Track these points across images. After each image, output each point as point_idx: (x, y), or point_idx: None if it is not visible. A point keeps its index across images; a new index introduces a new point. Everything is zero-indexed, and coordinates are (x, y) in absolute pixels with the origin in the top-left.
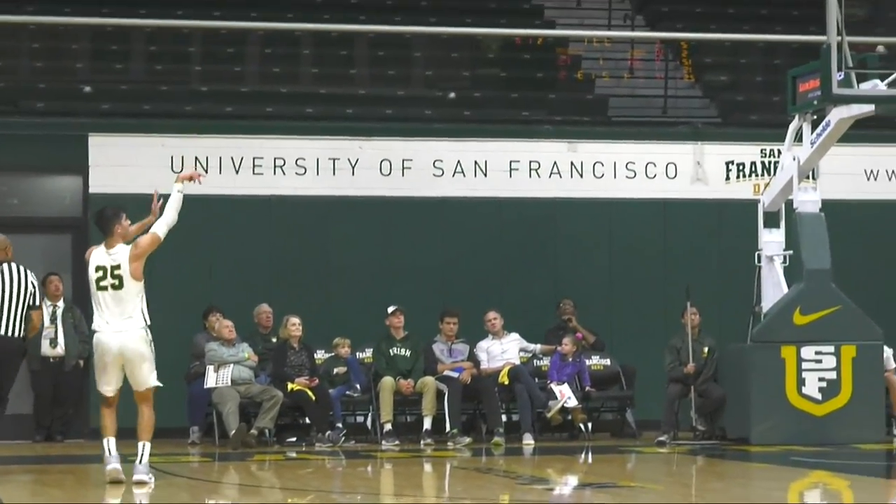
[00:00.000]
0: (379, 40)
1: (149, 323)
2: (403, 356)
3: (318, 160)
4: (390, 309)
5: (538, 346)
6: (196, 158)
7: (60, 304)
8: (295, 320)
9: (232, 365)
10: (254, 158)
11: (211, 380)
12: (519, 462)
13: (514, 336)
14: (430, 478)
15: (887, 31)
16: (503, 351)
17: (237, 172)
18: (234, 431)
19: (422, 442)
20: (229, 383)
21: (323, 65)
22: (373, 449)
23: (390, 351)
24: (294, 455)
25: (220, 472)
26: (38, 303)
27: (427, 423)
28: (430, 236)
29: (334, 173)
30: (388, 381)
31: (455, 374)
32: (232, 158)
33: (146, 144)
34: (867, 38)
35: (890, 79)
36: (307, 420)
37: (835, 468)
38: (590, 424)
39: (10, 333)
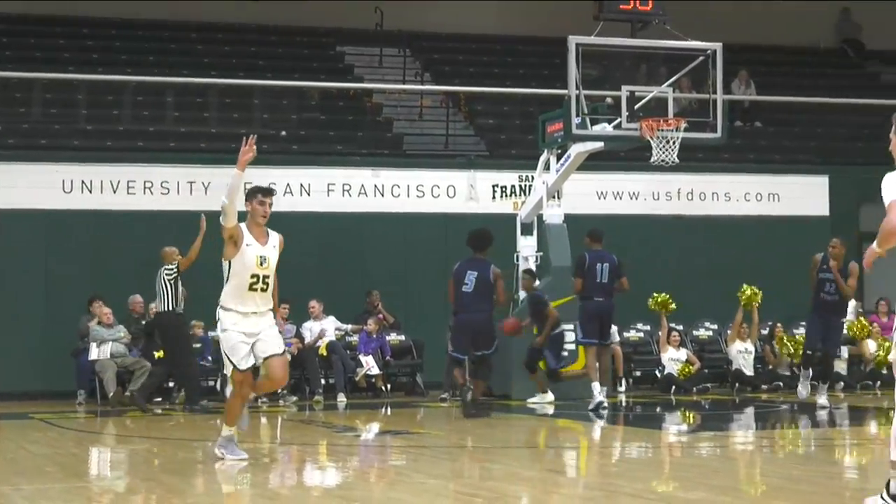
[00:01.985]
0: (227, 91)
1: (222, 304)
2: None
3: (178, 183)
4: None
5: (349, 326)
6: (83, 182)
7: None
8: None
9: (110, 342)
10: (128, 181)
11: (94, 353)
12: (334, 415)
13: (331, 318)
14: (265, 428)
15: (613, 87)
16: (322, 330)
17: (114, 193)
18: (111, 394)
19: (258, 400)
20: (108, 356)
21: (183, 109)
22: (221, 407)
23: None
24: (159, 412)
25: (101, 425)
26: None
27: None
28: None
29: (191, 193)
30: None
31: (286, 347)
32: (111, 182)
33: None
34: (598, 91)
35: (615, 122)
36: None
37: (573, 417)
38: (389, 386)
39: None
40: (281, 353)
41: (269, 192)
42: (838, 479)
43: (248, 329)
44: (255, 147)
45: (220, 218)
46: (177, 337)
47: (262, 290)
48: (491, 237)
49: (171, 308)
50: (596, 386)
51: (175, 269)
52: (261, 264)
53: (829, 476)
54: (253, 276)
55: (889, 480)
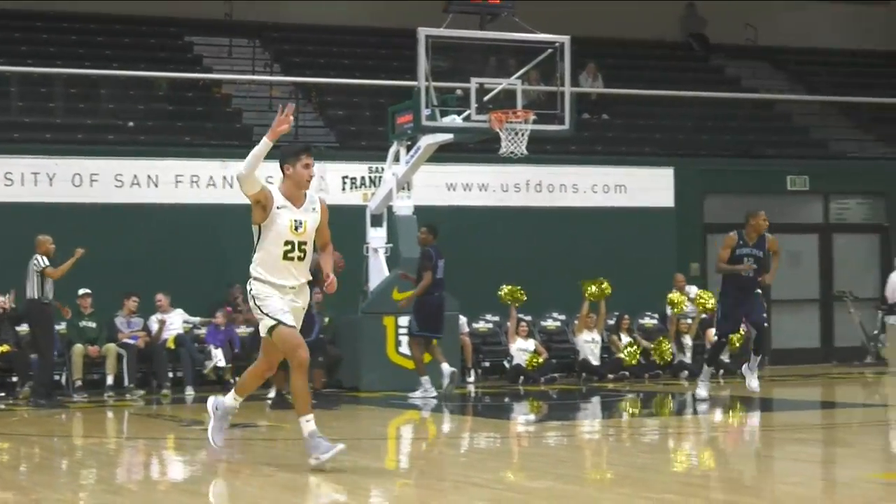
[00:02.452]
0: (73, 81)
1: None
2: (91, 327)
3: (22, 174)
4: (81, 291)
5: (198, 319)
6: None
7: None
8: (2, 298)
9: None
10: None
11: None
12: (182, 409)
13: (179, 311)
14: (112, 422)
15: (462, 79)
16: (170, 323)
17: None
18: None
19: (105, 395)
20: None
21: (27, 99)
22: (67, 401)
23: (80, 324)
24: (2, 406)
25: None
26: None
27: (109, 380)
28: (113, 236)
29: (36, 185)
30: (78, 348)
31: (133, 341)
32: None
33: None
34: (448, 83)
35: (464, 114)
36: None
37: (422, 408)
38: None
39: None
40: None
41: (311, 151)
42: (683, 465)
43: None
44: (291, 118)
45: (241, 187)
46: (41, 326)
47: (299, 258)
48: None
49: (37, 296)
50: (427, 380)
51: (41, 266)
52: (295, 229)
53: (674, 463)
54: (287, 244)
55: None
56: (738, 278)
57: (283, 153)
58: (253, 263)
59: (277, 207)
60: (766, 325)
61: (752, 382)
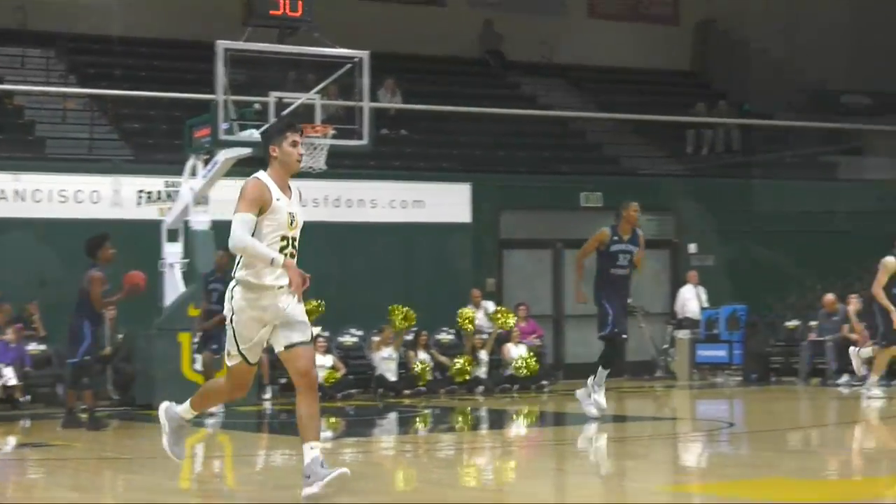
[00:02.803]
0: None
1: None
2: None
3: None
4: None
5: None
6: None
7: None
8: None
9: None
10: None
11: None
12: None
13: None
14: None
15: (261, 93)
16: None
17: None
18: None
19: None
20: None
21: None
22: None
23: None
24: None
25: None
26: None
27: None
28: None
29: None
30: None
31: None
32: None
33: None
34: (246, 98)
35: (262, 129)
36: None
37: (219, 426)
38: (29, 397)
39: None
40: (309, 342)
41: (298, 128)
42: (476, 480)
43: (268, 311)
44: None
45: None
46: None
47: (292, 256)
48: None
49: None
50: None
51: None
52: (290, 224)
53: (467, 478)
54: (283, 239)
55: None
56: (615, 280)
57: (267, 133)
58: (242, 266)
59: (276, 199)
60: (625, 336)
61: (600, 400)
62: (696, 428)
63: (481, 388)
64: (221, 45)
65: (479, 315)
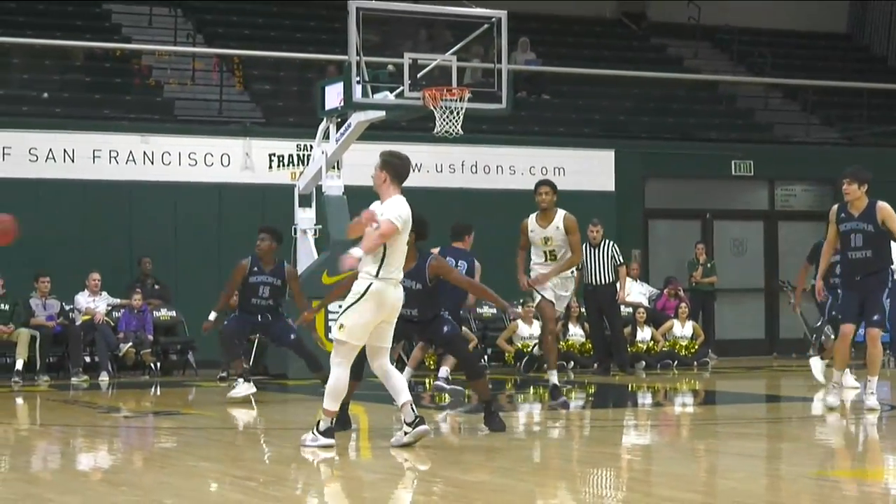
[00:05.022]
0: None
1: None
2: (1, 310)
3: None
4: None
5: (118, 301)
6: None
7: None
8: None
9: None
10: None
11: None
12: (98, 395)
13: (104, 295)
14: (23, 409)
15: (395, 54)
16: (96, 305)
17: None
18: None
19: (12, 380)
20: None
21: None
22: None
23: None
24: None
25: None
26: None
27: (18, 365)
28: (26, 213)
29: None
30: None
31: (50, 321)
32: None
33: None
34: (380, 58)
35: (397, 91)
36: None
37: (354, 397)
38: (158, 364)
39: None
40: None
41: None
42: (627, 461)
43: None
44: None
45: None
46: None
47: None
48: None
49: None
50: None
51: None
52: None
53: (619, 458)
54: None
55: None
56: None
57: None
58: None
59: None
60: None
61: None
62: (854, 410)
63: (642, 363)
64: (354, 4)
65: (638, 288)
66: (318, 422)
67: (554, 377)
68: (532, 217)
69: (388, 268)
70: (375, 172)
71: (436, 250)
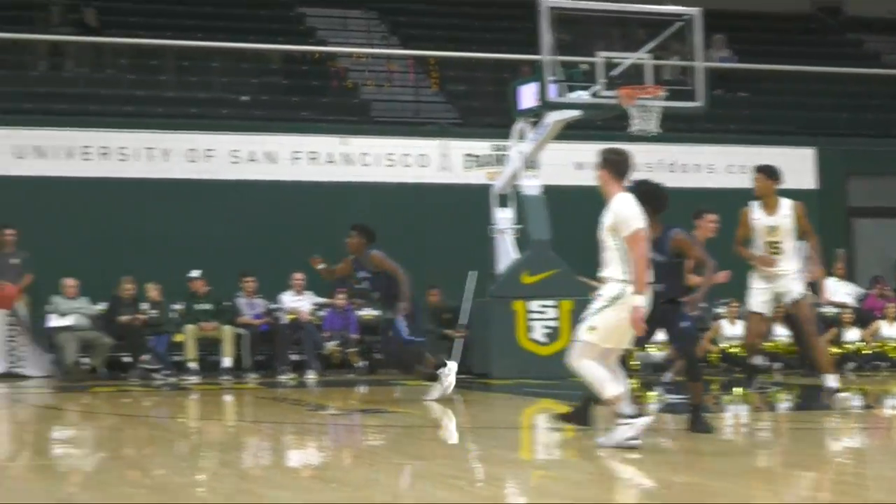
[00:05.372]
0: (184, 53)
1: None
2: (206, 309)
3: (136, 149)
4: (192, 274)
5: (323, 300)
6: (34, 147)
7: None
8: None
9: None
10: (83, 147)
11: (53, 322)
12: (305, 392)
13: (309, 294)
14: (231, 406)
15: (588, 53)
16: (301, 304)
17: (71, 158)
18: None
19: (221, 377)
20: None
21: (139, 72)
22: (181, 382)
23: (194, 306)
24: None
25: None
26: None
27: (226, 362)
28: (230, 213)
29: (150, 160)
30: (191, 328)
31: (256, 319)
32: (66, 148)
33: None
34: (573, 57)
35: (592, 90)
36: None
37: (557, 397)
38: (366, 362)
39: None
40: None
41: None
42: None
43: None
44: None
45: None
46: None
47: None
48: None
49: None
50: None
51: None
52: None
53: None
54: None
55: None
56: None
57: None
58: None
59: None
60: None
61: None
62: None
63: (851, 364)
64: (546, 2)
65: (844, 289)
66: (618, 414)
67: (830, 381)
68: (754, 205)
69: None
70: (597, 172)
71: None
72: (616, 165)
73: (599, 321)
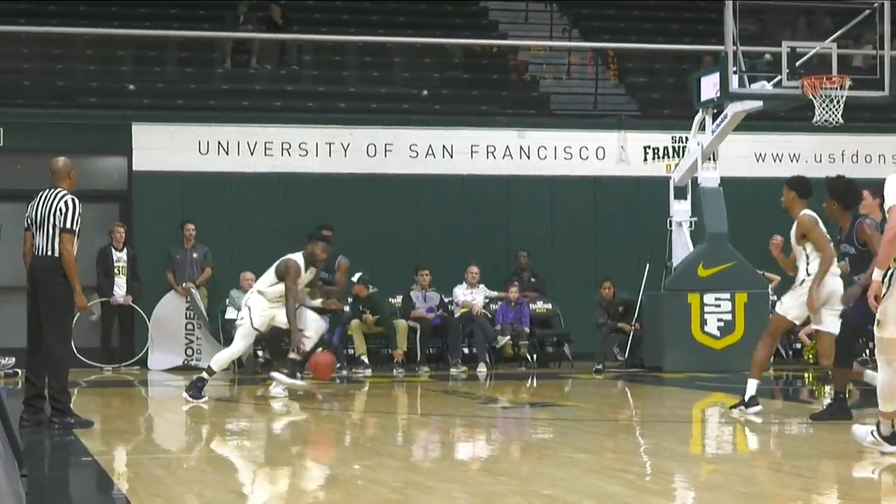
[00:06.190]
0: (366, 49)
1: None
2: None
3: (317, 144)
4: (354, 278)
5: (496, 293)
6: (219, 143)
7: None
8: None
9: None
10: (265, 143)
11: (230, 315)
12: (476, 386)
13: (482, 287)
14: (404, 398)
15: (772, 43)
16: (474, 298)
17: (251, 154)
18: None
19: (394, 371)
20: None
21: (321, 68)
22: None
23: (359, 307)
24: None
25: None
26: (69, 226)
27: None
28: (406, 206)
29: (330, 155)
30: (356, 323)
31: (428, 314)
32: (248, 143)
33: (179, 132)
34: (757, 48)
35: (774, 80)
36: None
37: (730, 391)
38: (535, 356)
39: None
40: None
41: None
42: None
43: None
44: None
45: None
46: None
47: None
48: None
49: None
50: None
51: None
52: None
53: None
54: None
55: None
56: None
57: None
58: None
59: None
60: None
61: None
62: None
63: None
64: None
65: None
66: (878, 423)
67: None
68: None
69: None
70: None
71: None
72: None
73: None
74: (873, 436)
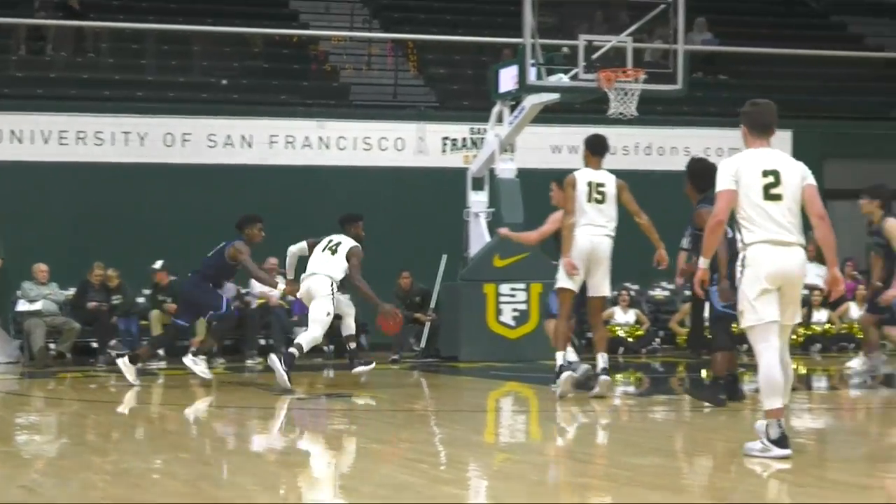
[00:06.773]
0: (164, 37)
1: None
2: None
3: (113, 134)
4: (156, 265)
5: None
6: (11, 131)
7: None
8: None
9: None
10: (59, 132)
11: (21, 307)
12: (272, 377)
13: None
14: (200, 390)
15: (570, 36)
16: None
17: (46, 143)
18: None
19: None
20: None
21: (118, 56)
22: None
23: (158, 297)
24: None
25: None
26: None
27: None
28: (205, 197)
29: (126, 144)
30: (156, 314)
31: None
32: (42, 132)
33: None
34: (554, 41)
35: (571, 73)
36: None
37: (524, 380)
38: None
39: None
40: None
41: None
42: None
43: None
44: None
45: None
46: None
47: None
48: None
49: None
50: None
51: None
52: None
53: None
54: None
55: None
56: None
57: None
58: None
59: None
60: None
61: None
62: None
63: (818, 346)
64: None
65: (815, 270)
66: (766, 427)
67: None
68: None
69: None
70: None
71: None
72: (750, 117)
73: None
74: (763, 443)
